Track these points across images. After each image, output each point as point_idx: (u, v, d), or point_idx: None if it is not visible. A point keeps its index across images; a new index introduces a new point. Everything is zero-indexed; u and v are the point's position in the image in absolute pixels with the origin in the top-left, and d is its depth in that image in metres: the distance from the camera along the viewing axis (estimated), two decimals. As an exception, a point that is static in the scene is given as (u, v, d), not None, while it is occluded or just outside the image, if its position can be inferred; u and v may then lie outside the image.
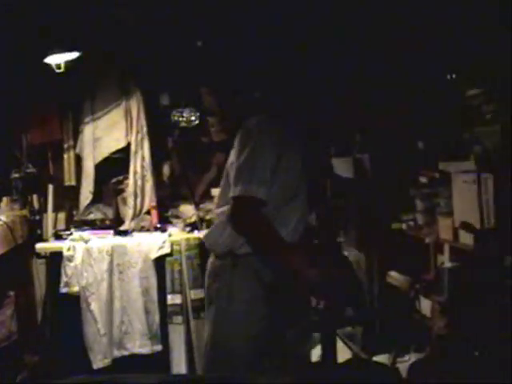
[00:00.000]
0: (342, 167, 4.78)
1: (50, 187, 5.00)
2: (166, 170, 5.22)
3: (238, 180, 2.89)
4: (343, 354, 4.14)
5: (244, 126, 3.06)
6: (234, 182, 2.91)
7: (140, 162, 5.00)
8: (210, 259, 3.14)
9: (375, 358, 4.46)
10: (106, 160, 5.07)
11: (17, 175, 4.82)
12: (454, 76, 4.15)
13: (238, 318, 2.97)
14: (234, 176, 2.92)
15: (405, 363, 4.12)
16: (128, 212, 4.99)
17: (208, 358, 3.09)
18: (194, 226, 4.90)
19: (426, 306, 4.28)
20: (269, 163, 2.90)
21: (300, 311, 3.10)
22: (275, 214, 2.95)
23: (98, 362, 4.46)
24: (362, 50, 4.60)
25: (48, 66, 4.53)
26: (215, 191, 5.12)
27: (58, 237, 4.79)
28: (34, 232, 4.85)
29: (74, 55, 4.54)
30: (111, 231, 4.82)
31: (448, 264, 4.04)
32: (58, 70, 4.53)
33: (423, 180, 4.40)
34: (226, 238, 2.99)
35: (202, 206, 5.18)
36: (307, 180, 3.06)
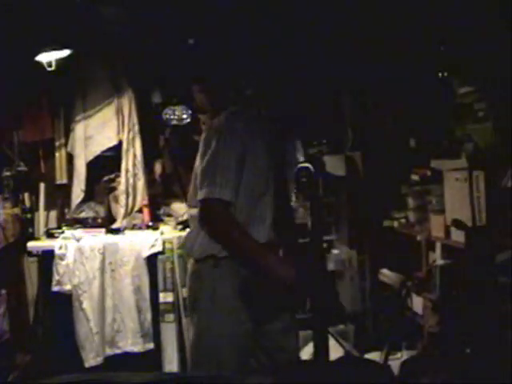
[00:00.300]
0: (333, 165, 4.78)
1: (42, 185, 4.99)
2: (157, 168, 5.21)
3: (203, 182, 2.86)
4: (335, 351, 4.13)
5: (208, 126, 3.06)
6: (200, 184, 2.88)
7: (132, 160, 4.99)
8: (191, 261, 3.11)
9: (367, 356, 4.47)
10: (98, 158, 5.05)
11: (8, 173, 4.81)
12: (445, 74, 4.16)
13: (221, 317, 2.95)
14: (199, 179, 2.90)
15: (396, 360, 4.12)
16: (120, 210, 4.99)
17: (194, 358, 3.09)
18: (185, 224, 4.88)
19: (417, 303, 4.29)
20: (232, 163, 2.86)
21: (283, 307, 3.08)
22: (249, 212, 2.94)
23: (91, 360, 4.45)
24: (352, 49, 4.61)
25: (39, 64, 4.51)
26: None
27: (49, 235, 4.77)
28: (26, 230, 4.84)
29: (65, 53, 4.53)
30: (103, 229, 4.81)
31: (440, 261, 4.05)
32: (49, 68, 4.52)
33: (415, 178, 4.42)
34: (201, 241, 2.96)
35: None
36: (276, 176, 3.03)
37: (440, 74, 4.23)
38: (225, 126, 2.96)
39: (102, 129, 5.04)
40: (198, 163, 2.98)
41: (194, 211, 3.03)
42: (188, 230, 3.26)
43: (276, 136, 3.10)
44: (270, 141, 3.02)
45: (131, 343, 4.54)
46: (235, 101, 3.38)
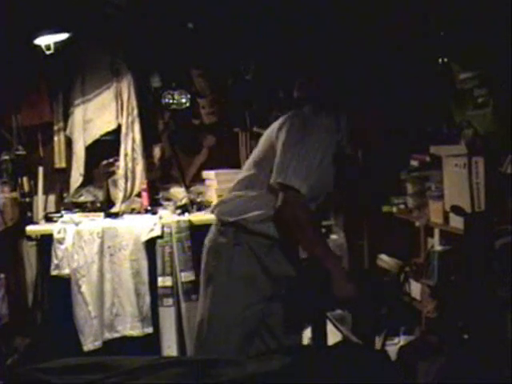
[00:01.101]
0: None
1: (41, 169, 4.99)
2: (156, 152, 5.20)
3: (289, 167, 2.90)
4: (333, 336, 4.14)
5: (301, 113, 3.12)
6: (291, 171, 2.90)
7: (131, 144, 4.98)
8: (210, 236, 3.16)
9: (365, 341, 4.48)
10: (97, 142, 5.04)
11: (7, 157, 4.80)
12: (445, 60, 4.14)
13: (237, 293, 3.03)
14: (290, 164, 2.91)
15: (394, 346, 4.14)
16: (118, 194, 4.98)
17: (205, 334, 3.13)
18: (184, 209, 4.90)
19: (415, 289, 4.30)
20: (317, 161, 2.93)
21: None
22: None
23: (89, 344, 4.46)
24: (350, 34, 4.60)
25: (38, 47, 4.50)
26: (206, 174, 5.12)
27: (48, 219, 4.78)
28: (25, 214, 4.84)
29: (64, 36, 4.51)
30: (102, 213, 4.81)
31: (438, 247, 4.05)
32: (47, 52, 4.50)
33: (414, 163, 4.40)
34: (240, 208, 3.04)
35: (192, 188, 5.18)
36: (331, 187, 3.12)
37: (440, 60, 4.21)
38: (323, 121, 3.05)
39: (101, 113, 5.03)
40: (283, 140, 2.98)
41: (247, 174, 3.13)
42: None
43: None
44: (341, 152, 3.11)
45: (130, 327, 4.55)
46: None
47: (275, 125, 3.13)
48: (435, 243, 4.13)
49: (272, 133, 3.09)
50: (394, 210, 4.67)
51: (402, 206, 4.60)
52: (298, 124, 3.02)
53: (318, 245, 2.97)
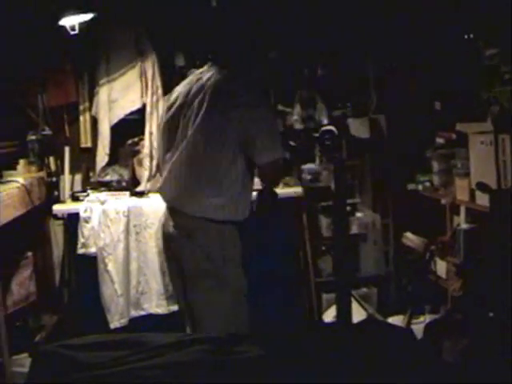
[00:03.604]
0: (358, 128, 4.76)
1: (67, 149, 5.01)
2: (181, 131, 5.20)
3: (272, 145, 3.24)
4: (358, 315, 4.15)
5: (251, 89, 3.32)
6: (271, 146, 3.23)
7: (155, 123, 4.99)
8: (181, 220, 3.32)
9: (390, 320, 4.48)
10: (122, 121, 5.05)
11: (33, 137, 4.82)
12: (471, 36, 4.10)
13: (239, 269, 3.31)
14: (268, 140, 3.23)
15: (420, 324, 4.13)
16: (144, 173, 5.00)
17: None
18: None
19: (441, 267, 4.29)
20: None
21: None
22: None
23: (115, 322, 4.49)
24: (377, 9, 4.57)
25: (63, 27, 4.51)
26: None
27: (74, 198, 4.80)
28: (51, 194, 4.87)
29: (88, 17, 4.52)
30: (127, 192, 4.83)
31: (464, 225, 4.04)
32: (72, 32, 4.51)
33: (440, 141, 4.38)
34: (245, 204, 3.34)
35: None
36: None
37: (466, 36, 4.17)
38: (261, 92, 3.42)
39: (126, 92, 5.04)
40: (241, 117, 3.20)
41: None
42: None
43: None
44: None
45: (156, 305, 4.57)
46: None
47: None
48: (461, 221, 4.11)
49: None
50: (420, 187, 4.65)
51: (428, 184, 4.58)
52: (255, 104, 3.27)
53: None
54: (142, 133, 4.99)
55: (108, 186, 4.96)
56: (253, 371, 2.38)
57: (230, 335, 2.74)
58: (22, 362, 4.05)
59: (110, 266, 4.48)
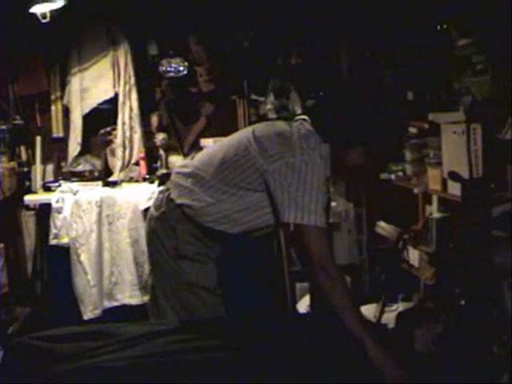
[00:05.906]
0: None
1: (38, 139, 4.97)
2: (154, 120, 5.17)
3: (310, 210, 2.73)
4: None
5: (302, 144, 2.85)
6: (308, 209, 2.73)
7: (128, 112, 4.97)
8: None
9: (363, 308, 4.50)
10: (94, 111, 5.03)
11: (4, 127, 4.78)
12: (444, 26, 4.11)
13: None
14: (304, 201, 2.74)
15: (393, 313, 4.16)
16: (117, 163, 4.98)
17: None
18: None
19: (414, 256, 4.31)
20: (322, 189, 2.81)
21: None
22: None
23: (89, 313, 4.48)
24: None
25: (34, 15, 4.46)
26: (204, 141, 5.10)
27: (46, 189, 4.77)
28: (23, 184, 4.84)
29: (60, 4, 4.46)
30: (100, 182, 4.81)
31: (436, 214, 4.06)
32: (43, 20, 4.46)
33: (412, 130, 4.39)
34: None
35: (190, 156, 5.16)
36: None
37: (438, 26, 4.18)
38: (313, 148, 2.83)
39: (98, 81, 5.01)
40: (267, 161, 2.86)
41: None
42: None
43: None
44: None
45: (129, 296, 4.56)
46: None
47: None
48: (433, 210, 4.14)
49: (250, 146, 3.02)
50: (393, 177, 4.67)
51: (401, 174, 4.59)
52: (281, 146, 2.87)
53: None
54: (115, 122, 4.97)
55: (80, 176, 4.93)
56: (224, 360, 2.39)
57: (201, 323, 2.75)
58: (-5, 354, 4.02)
59: (83, 257, 4.46)
